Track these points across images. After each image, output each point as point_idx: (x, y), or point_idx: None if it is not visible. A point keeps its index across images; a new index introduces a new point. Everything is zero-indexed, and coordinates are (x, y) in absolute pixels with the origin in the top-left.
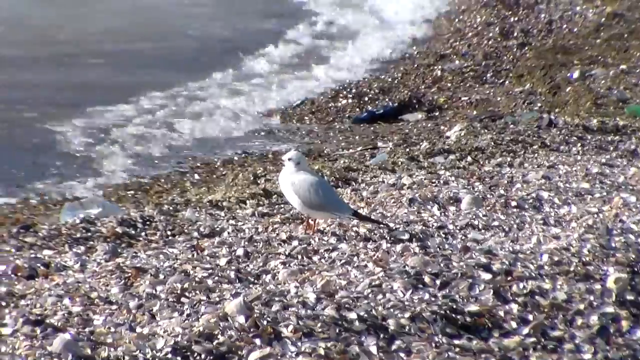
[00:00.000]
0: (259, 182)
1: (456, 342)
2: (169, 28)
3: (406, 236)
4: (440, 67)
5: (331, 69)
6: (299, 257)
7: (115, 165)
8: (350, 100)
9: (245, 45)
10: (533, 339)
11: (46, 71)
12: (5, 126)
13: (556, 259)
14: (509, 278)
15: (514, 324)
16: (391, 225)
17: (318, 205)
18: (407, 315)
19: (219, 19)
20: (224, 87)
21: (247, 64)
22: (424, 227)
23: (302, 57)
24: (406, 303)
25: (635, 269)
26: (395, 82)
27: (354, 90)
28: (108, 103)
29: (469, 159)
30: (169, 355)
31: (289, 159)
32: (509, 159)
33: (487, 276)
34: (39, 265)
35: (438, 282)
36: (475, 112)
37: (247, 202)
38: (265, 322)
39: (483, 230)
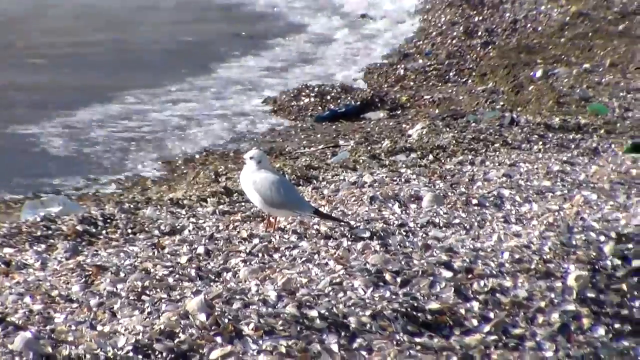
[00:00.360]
0: (220, 180)
1: (417, 340)
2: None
3: (367, 234)
4: (403, 66)
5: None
6: (260, 255)
7: (75, 164)
8: (312, 99)
9: (211, 49)
10: (494, 337)
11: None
12: None
13: (517, 256)
14: (469, 276)
15: (475, 322)
16: (352, 223)
17: (279, 203)
18: (368, 313)
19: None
20: (187, 88)
21: (211, 66)
22: (385, 225)
23: (271, 61)
24: (367, 301)
25: (596, 267)
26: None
27: (316, 89)
28: (70, 106)
29: (431, 157)
30: (130, 354)
31: (251, 158)
32: (470, 157)
33: (448, 274)
34: None
35: (399, 279)
36: (437, 111)
37: (208, 200)
38: (226, 320)
39: (444, 228)
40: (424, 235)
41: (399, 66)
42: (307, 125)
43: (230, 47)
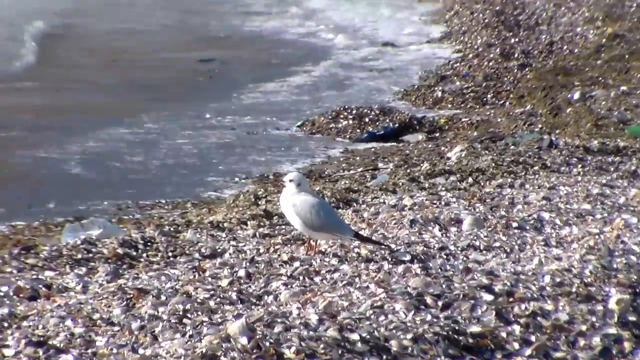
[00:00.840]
0: (259, 203)
1: None
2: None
3: (408, 257)
4: (441, 88)
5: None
6: (301, 278)
7: (115, 187)
8: (350, 121)
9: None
10: None
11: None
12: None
13: (558, 280)
14: (510, 299)
15: (516, 345)
16: (392, 246)
17: (319, 226)
18: (409, 336)
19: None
20: (218, 110)
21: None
22: (425, 248)
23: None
24: (408, 324)
25: (637, 290)
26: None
27: (354, 111)
28: (101, 126)
29: (470, 180)
30: None
31: (290, 180)
32: (509, 180)
33: (489, 297)
34: (40, 286)
35: (440, 303)
36: (475, 133)
37: (248, 223)
38: (267, 344)
39: (484, 251)
40: (464, 259)
41: (436, 88)
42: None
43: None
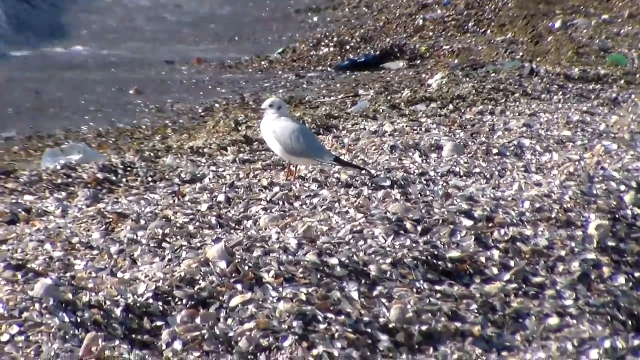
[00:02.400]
0: (240, 128)
1: (437, 287)
2: None
3: (387, 183)
4: (422, 16)
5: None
6: (280, 203)
7: (95, 112)
8: (332, 49)
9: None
10: (514, 285)
11: None
12: None
13: (537, 205)
14: (490, 224)
15: (495, 270)
16: (372, 171)
17: (299, 151)
18: (388, 261)
19: None
20: (205, 40)
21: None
22: (405, 174)
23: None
24: (387, 249)
25: (616, 216)
26: (377, 31)
27: (335, 39)
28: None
29: (451, 106)
30: (150, 300)
31: (270, 105)
32: (490, 107)
33: (468, 222)
34: (20, 210)
35: (419, 228)
36: (456, 61)
37: (228, 148)
38: (246, 268)
39: (464, 177)
40: (444, 184)
41: (417, 16)
42: (326, 75)
43: None
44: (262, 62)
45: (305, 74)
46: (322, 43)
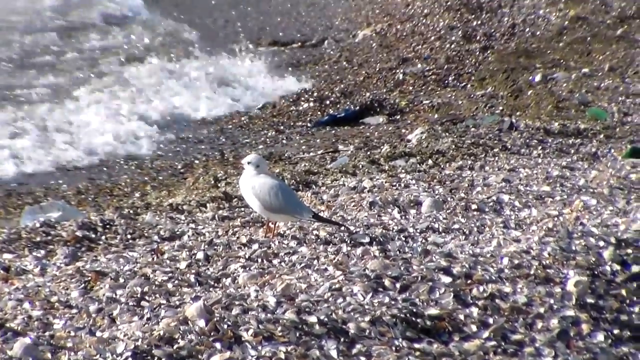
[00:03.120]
0: (219, 185)
1: (416, 345)
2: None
3: (366, 239)
4: (402, 70)
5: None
6: (259, 260)
7: (75, 168)
8: (311, 104)
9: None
10: (493, 343)
11: None
12: None
13: (516, 262)
14: (469, 281)
15: (474, 328)
16: (351, 228)
17: (278, 208)
18: (367, 318)
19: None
20: (183, 89)
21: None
22: (384, 231)
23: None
24: (366, 306)
25: (596, 272)
26: (357, 85)
27: (315, 94)
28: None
29: (430, 162)
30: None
31: (249, 163)
32: (469, 162)
33: (447, 279)
34: None
35: (398, 285)
36: (436, 116)
37: (208, 205)
38: (225, 326)
39: (443, 234)
40: (423, 241)
41: (397, 70)
42: (305, 130)
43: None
44: (242, 118)
45: (285, 130)
46: (302, 98)
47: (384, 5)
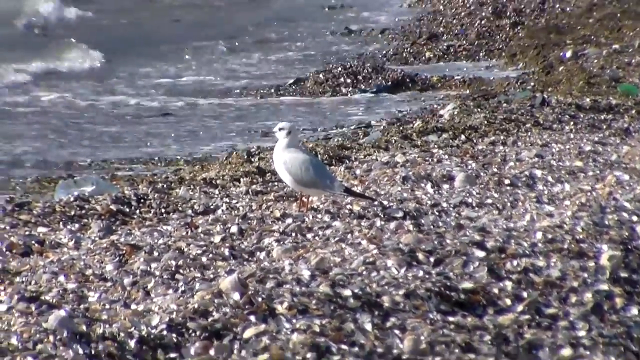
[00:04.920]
0: (252, 160)
1: (450, 319)
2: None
3: (400, 214)
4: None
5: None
6: (293, 234)
7: (109, 143)
8: (344, 79)
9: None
10: (527, 316)
11: None
12: None
13: (550, 236)
14: (502, 255)
15: (508, 301)
16: (385, 202)
17: (309, 182)
18: (401, 292)
19: None
20: (218, 67)
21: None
22: (417, 205)
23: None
24: (400, 280)
25: (629, 247)
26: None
27: (348, 69)
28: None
29: (462, 137)
30: (164, 332)
31: (280, 129)
32: (502, 137)
33: (481, 254)
34: (33, 242)
35: (432, 259)
36: (468, 91)
37: (241, 180)
38: (259, 299)
39: (477, 208)
40: (456, 215)
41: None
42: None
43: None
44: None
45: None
46: (335, 72)
47: None
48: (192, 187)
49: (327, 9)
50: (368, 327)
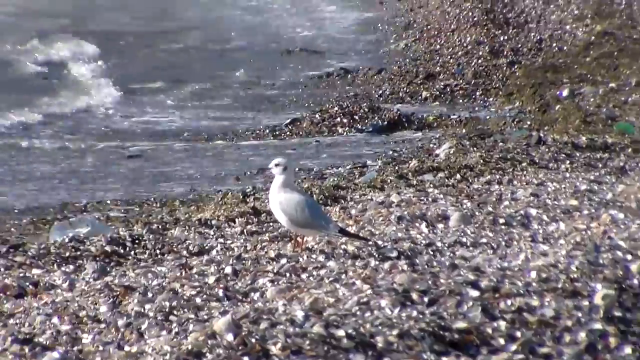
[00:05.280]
0: (248, 200)
1: (444, 359)
2: None
3: (394, 253)
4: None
5: None
6: (288, 274)
7: (104, 184)
8: (340, 119)
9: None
10: (521, 356)
11: None
12: None
13: (544, 275)
14: (496, 295)
15: (502, 341)
16: (379, 242)
17: (304, 222)
18: (395, 332)
19: None
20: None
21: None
22: (412, 245)
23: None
24: (394, 320)
25: (623, 286)
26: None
27: (345, 109)
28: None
29: (458, 176)
30: None
31: (276, 165)
32: (497, 176)
33: (475, 293)
34: (27, 284)
35: (426, 299)
36: (464, 130)
37: (236, 220)
38: (253, 340)
39: (471, 248)
40: (451, 255)
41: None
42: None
43: None
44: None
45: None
46: (331, 112)
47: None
48: (187, 227)
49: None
50: None
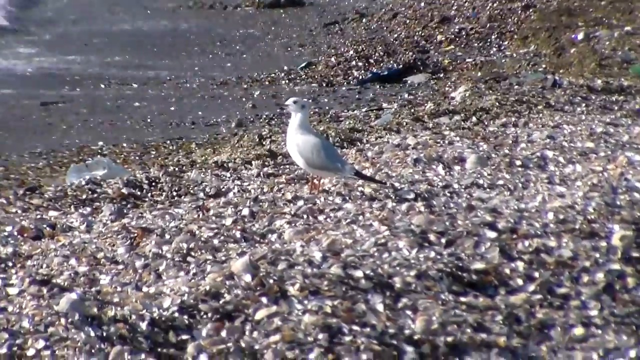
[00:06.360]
0: (264, 143)
1: (462, 299)
2: None
3: (411, 195)
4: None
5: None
6: (305, 216)
7: (121, 127)
8: (356, 62)
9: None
10: (539, 296)
11: None
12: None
13: (561, 216)
14: (514, 236)
15: (519, 282)
16: (396, 184)
17: (320, 165)
18: (413, 273)
19: None
20: (230, 53)
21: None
22: (429, 186)
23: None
24: (412, 261)
25: None
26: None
27: (360, 52)
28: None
29: (474, 119)
30: (176, 314)
31: (294, 102)
32: (513, 119)
33: (492, 234)
34: (45, 226)
35: (443, 240)
36: (479, 74)
37: (253, 162)
38: (271, 281)
39: (488, 189)
40: (468, 196)
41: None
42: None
43: None
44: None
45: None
46: (346, 55)
47: None
48: (203, 170)
49: None
50: (380, 308)
